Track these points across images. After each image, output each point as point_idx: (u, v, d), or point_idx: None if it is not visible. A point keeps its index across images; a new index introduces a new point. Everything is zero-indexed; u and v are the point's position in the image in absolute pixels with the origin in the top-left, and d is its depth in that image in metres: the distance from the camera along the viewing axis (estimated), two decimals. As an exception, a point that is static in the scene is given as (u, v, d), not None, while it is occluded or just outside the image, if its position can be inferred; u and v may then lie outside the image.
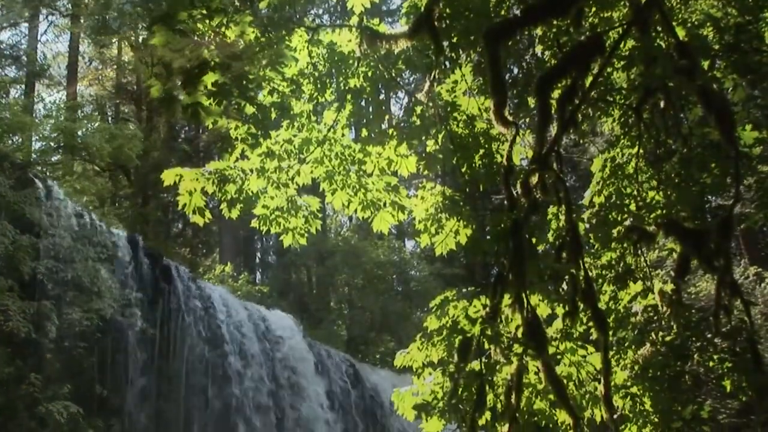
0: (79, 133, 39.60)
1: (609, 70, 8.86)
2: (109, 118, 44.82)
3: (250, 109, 6.77)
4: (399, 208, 9.37)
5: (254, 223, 9.45)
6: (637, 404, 8.90)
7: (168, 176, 8.94)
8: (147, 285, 22.57)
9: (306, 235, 9.51)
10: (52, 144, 39.22)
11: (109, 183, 41.83)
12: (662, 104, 8.66)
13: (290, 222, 9.35)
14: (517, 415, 8.10)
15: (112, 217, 32.17)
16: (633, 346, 9.08)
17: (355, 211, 9.48)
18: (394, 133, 9.08)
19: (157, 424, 21.10)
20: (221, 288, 27.94)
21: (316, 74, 9.01)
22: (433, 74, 9.19)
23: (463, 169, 9.14)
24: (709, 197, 9.97)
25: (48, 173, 37.07)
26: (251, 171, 9.08)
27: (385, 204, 9.36)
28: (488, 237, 8.56)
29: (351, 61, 9.00)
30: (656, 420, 8.64)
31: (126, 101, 47.05)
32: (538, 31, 9.15)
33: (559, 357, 8.82)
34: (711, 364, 8.62)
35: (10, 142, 35.77)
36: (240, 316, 25.61)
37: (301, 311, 38.16)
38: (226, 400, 23.17)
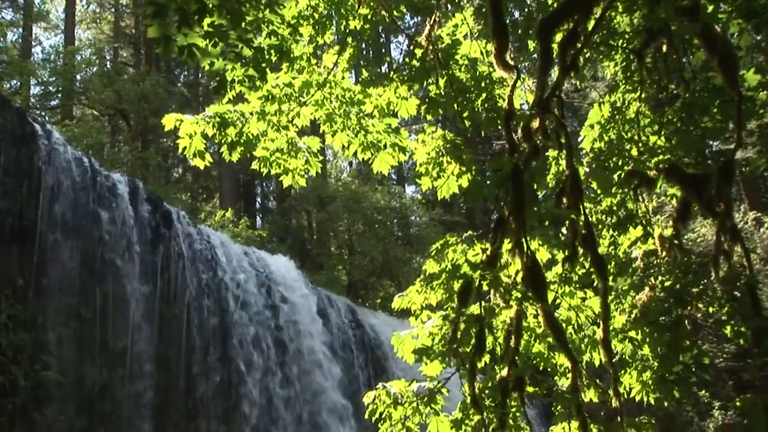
0: (78, 77, 39.46)
1: (611, 13, 8.77)
2: (108, 63, 44.58)
3: (247, 52, 6.70)
4: (399, 150, 9.34)
5: (254, 165, 9.43)
6: (637, 349, 8.94)
7: (168, 121, 8.90)
8: (147, 230, 22.58)
9: (306, 176, 9.50)
10: (50, 88, 39.10)
11: (108, 128, 41.75)
12: (665, 48, 8.60)
13: (290, 163, 9.33)
14: (516, 358, 8.16)
15: (112, 162, 32.17)
16: (632, 291, 9.09)
17: (355, 155, 9.45)
18: (395, 77, 9.03)
19: (159, 367, 21.25)
20: (222, 233, 27.97)
21: (316, 16, 8.92)
22: (433, 17, 9.12)
23: (465, 114, 9.09)
24: (711, 142, 9.91)
25: (47, 118, 37.00)
26: (251, 114, 9.04)
27: (385, 146, 9.33)
28: (488, 182, 8.53)
29: (351, 3, 8.91)
30: (655, 365, 8.69)
31: (125, 45, 46.80)
32: (540, -27, 9.05)
33: (558, 301, 8.87)
34: (710, 309, 8.64)
35: (8, 86, 35.65)
36: (241, 261, 25.67)
37: (301, 256, 38.27)
38: (227, 343, 23.33)
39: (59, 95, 39.48)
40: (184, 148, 8.94)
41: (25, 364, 18.08)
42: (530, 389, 8.34)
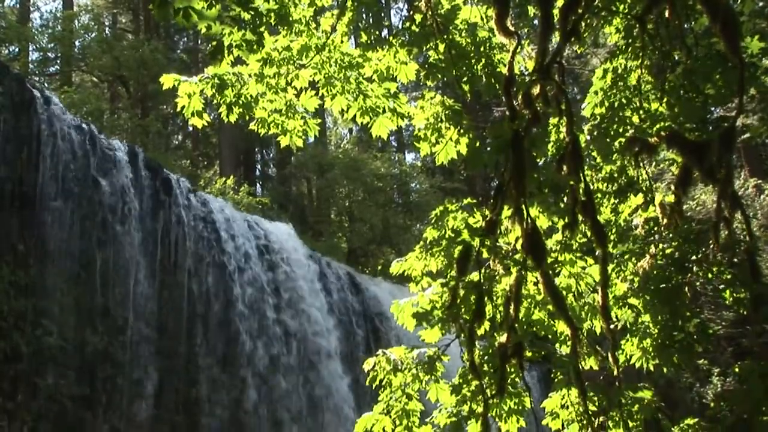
0: (77, 43, 39.26)
1: (613, -22, 8.71)
2: (107, 29, 44.35)
3: (246, 15, 6.65)
4: (398, 115, 9.30)
5: (253, 126, 9.40)
6: (637, 316, 8.95)
7: (167, 81, 8.85)
8: (147, 197, 22.58)
9: (304, 137, 9.47)
10: (49, 55, 38.91)
11: (107, 94, 41.60)
12: (667, 14, 8.54)
13: (288, 124, 9.30)
14: (516, 325, 8.17)
15: (112, 128, 32.07)
16: (633, 259, 9.09)
17: (354, 120, 9.41)
18: (394, 41, 8.97)
19: (159, 333, 21.33)
20: (222, 200, 27.96)
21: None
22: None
23: (464, 80, 9.03)
24: (712, 108, 9.86)
25: (46, 84, 36.86)
26: (249, 76, 9.00)
27: (384, 110, 9.29)
28: (489, 149, 8.51)
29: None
30: (656, 332, 8.70)
31: (123, 11, 46.52)
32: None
33: (558, 269, 8.86)
34: (709, 276, 8.64)
35: (6, 52, 35.48)
36: (241, 228, 25.70)
37: (301, 223, 38.27)
38: (227, 310, 23.40)
39: (58, 61, 39.30)
40: (183, 108, 8.90)
41: (27, 330, 18.14)
42: (529, 353, 8.35)
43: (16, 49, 36.36)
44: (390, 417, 8.62)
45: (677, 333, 8.52)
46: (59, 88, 34.14)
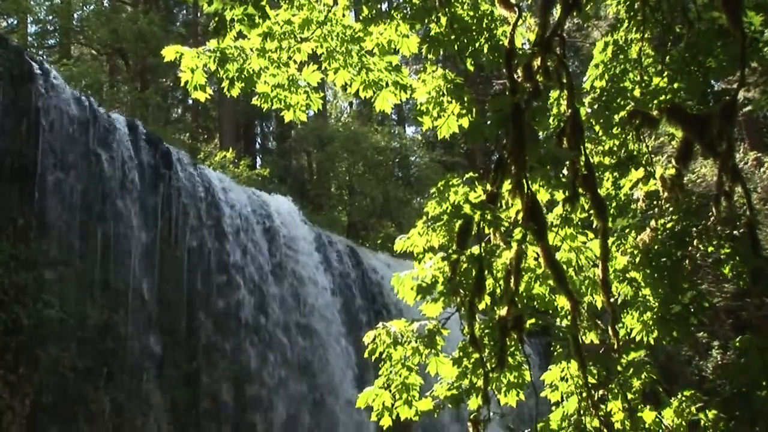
0: (75, 15, 39.07)
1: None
2: (105, 1, 44.12)
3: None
4: (401, 88, 9.28)
5: (255, 101, 9.38)
6: (638, 290, 8.98)
7: (169, 53, 8.82)
8: (147, 170, 22.56)
9: (306, 111, 9.46)
10: (48, 27, 38.74)
11: (106, 67, 41.47)
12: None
13: (291, 98, 9.28)
14: (516, 299, 8.19)
15: (111, 101, 32.00)
16: (633, 232, 9.11)
17: (357, 94, 9.39)
18: (395, 14, 8.94)
19: (160, 306, 21.39)
20: (222, 173, 27.96)
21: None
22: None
23: (466, 53, 9.01)
24: (713, 82, 9.85)
25: (45, 57, 36.72)
26: (251, 51, 8.97)
27: (386, 84, 9.27)
28: (489, 122, 8.50)
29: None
30: (656, 306, 8.72)
31: (122, -17, 46.26)
32: None
33: (559, 243, 8.87)
34: (710, 249, 8.65)
35: (5, 24, 35.34)
36: (241, 201, 25.71)
37: (301, 197, 38.27)
38: (227, 281, 23.46)
39: (56, 34, 39.14)
40: (186, 83, 8.88)
41: (28, 303, 18.19)
42: (530, 322, 8.38)
43: (15, 21, 36.22)
44: (390, 391, 8.66)
45: (675, 306, 8.55)
46: (58, 61, 34.02)
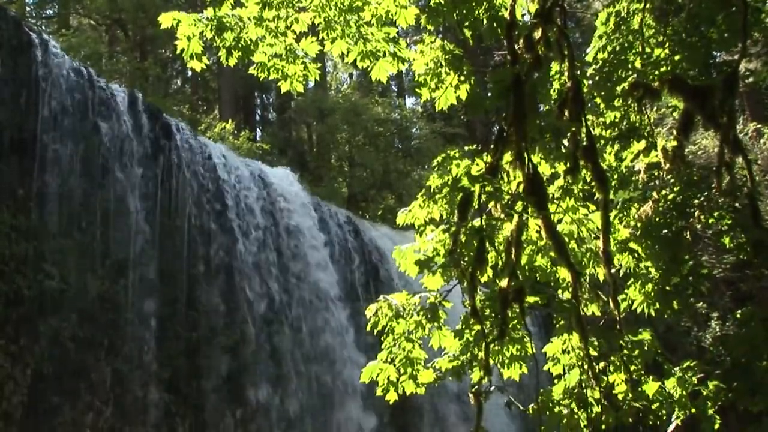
0: (74, -15, 38.82)
1: None
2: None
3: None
4: (398, 59, 9.22)
5: (252, 70, 9.33)
6: (639, 262, 8.97)
7: (165, 19, 8.76)
8: (147, 141, 22.50)
9: (304, 82, 9.41)
10: (46, -3, 38.48)
11: (105, 38, 41.27)
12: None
13: (288, 69, 9.23)
14: (517, 271, 8.17)
15: (110, 73, 31.86)
16: (635, 204, 9.09)
17: (354, 65, 9.33)
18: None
19: (160, 277, 21.39)
20: (222, 145, 27.89)
21: None
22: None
23: (466, 24, 8.94)
24: (715, 53, 9.80)
25: (43, 27, 36.53)
26: (249, 19, 8.90)
27: (384, 54, 9.20)
28: (489, 93, 8.46)
29: None
30: (657, 277, 8.72)
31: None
32: None
33: (560, 216, 8.85)
34: (711, 221, 8.65)
35: (3, -6, 35.10)
36: (241, 173, 25.66)
37: (301, 168, 38.19)
38: (228, 253, 23.46)
39: (55, 4, 38.93)
40: (182, 51, 8.83)
41: (28, 274, 18.20)
42: (530, 299, 8.38)
43: (13, -8, 36.00)
44: (394, 366, 8.66)
45: (675, 277, 8.56)
46: (56, 32, 33.85)
